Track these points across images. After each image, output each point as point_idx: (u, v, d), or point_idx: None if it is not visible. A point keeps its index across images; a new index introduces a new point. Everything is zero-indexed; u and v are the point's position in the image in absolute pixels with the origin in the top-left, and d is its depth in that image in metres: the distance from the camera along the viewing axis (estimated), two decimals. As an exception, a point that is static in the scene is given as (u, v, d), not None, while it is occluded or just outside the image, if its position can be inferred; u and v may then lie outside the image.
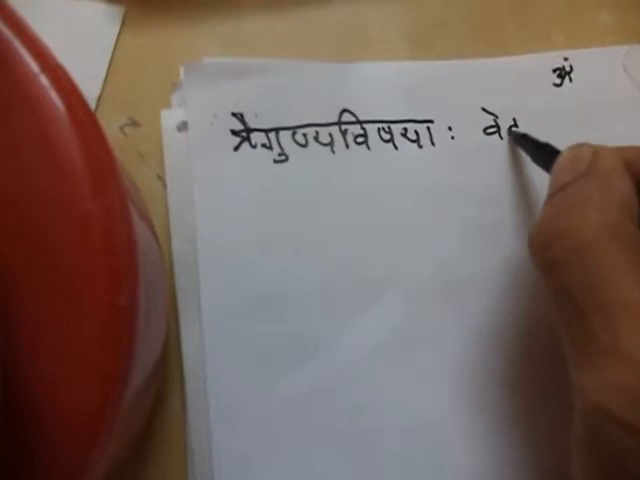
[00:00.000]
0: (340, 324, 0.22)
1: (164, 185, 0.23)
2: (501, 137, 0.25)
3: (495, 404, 0.22)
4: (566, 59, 0.26)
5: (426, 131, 0.24)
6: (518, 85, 0.25)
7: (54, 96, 0.14)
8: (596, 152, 0.18)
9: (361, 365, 0.22)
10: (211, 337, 0.21)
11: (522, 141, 0.24)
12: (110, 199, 0.13)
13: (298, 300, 0.22)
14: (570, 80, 0.26)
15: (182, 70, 0.23)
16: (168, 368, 0.21)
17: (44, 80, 0.14)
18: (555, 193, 0.18)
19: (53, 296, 0.12)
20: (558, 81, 0.25)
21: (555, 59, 0.26)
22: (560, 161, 0.19)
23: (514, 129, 0.25)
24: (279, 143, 0.23)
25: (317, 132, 0.23)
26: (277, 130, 0.23)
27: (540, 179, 0.24)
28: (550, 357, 0.23)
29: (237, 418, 0.20)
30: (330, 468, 0.21)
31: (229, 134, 0.22)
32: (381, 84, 0.24)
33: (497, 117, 0.25)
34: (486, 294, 0.23)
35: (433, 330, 0.23)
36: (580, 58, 0.26)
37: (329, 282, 0.22)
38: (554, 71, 0.26)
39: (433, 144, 0.24)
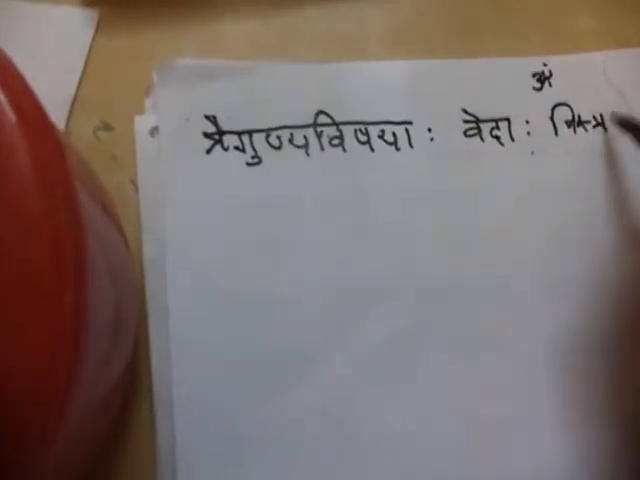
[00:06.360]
0: (314, 333, 0.22)
1: (137, 189, 0.23)
2: (482, 139, 0.24)
3: (497, 416, 0.22)
4: (545, 64, 0.25)
5: (404, 133, 0.24)
6: (498, 87, 0.25)
7: (1, 95, 0.13)
8: None
9: (334, 373, 0.21)
10: (178, 344, 0.20)
11: (625, 124, 0.23)
12: (58, 199, 0.13)
13: (269, 307, 0.21)
14: (550, 85, 0.25)
15: (155, 72, 0.23)
16: (138, 372, 0.21)
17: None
18: None
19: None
20: (538, 85, 0.25)
21: (534, 64, 0.25)
22: None
23: (616, 112, 0.24)
24: (252, 146, 0.22)
25: (292, 134, 0.23)
26: (250, 132, 0.22)
27: (522, 181, 0.24)
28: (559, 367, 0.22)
29: (203, 427, 0.20)
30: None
31: (201, 137, 0.22)
32: (358, 85, 0.24)
33: (478, 119, 0.24)
34: (471, 299, 0.23)
35: (419, 339, 0.22)
36: (559, 64, 0.25)
37: (302, 289, 0.22)
38: (533, 75, 0.25)
39: (411, 146, 0.24)
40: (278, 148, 0.23)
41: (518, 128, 0.25)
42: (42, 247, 0.13)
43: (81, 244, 0.13)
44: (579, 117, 0.25)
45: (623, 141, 0.24)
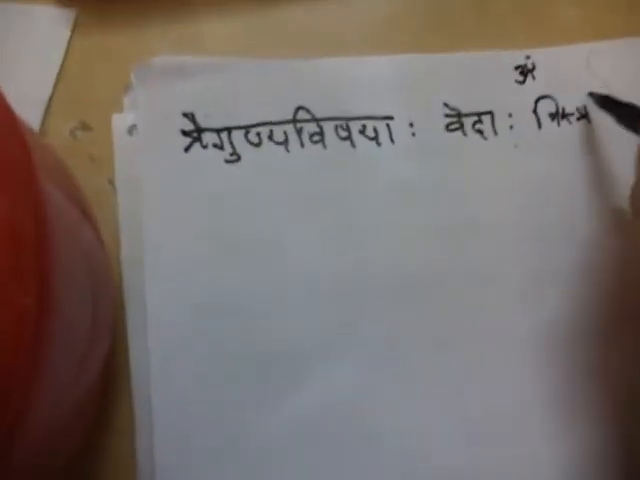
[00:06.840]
0: (296, 334, 0.21)
1: (115, 189, 0.22)
2: (464, 133, 0.24)
3: (493, 405, 0.22)
4: (528, 57, 0.25)
5: (385, 128, 0.23)
6: (481, 81, 0.25)
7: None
8: None
9: (325, 374, 0.21)
10: (156, 349, 0.20)
11: (605, 103, 0.23)
12: (20, 197, 0.13)
13: (252, 309, 0.21)
14: (533, 78, 0.25)
15: (133, 71, 0.22)
16: (117, 378, 0.21)
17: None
18: None
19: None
20: (521, 78, 0.25)
21: (517, 57, 0.25)
22: None
23: (594, 92, 0.24)
24: (231, 143, 0.22)
25: (271, 131, 0.22)
26: (229, 129, 0.22)
27: (506, 175, 0.24)
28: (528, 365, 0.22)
29: (181, 437, 0.20)
30: None
31: (180, 135, 0.22)
32: (338, 80, 0.23)
33: (460, 113, 0.24)
34: (455, 295, 0.22)
35: (408, 332, 0.22)
36: (542, 57, 0.25)
37: (284, 289, 0.21)
38: (516, 68, 0.25)
39: (393, 141, 0.23)
40: (257, 145, 0.22)
41: (501, 122, 0.24)
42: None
43: (44, 243, 0.13)
44: (563, 110, 0.25)
45: (607, 133, 0.24)
